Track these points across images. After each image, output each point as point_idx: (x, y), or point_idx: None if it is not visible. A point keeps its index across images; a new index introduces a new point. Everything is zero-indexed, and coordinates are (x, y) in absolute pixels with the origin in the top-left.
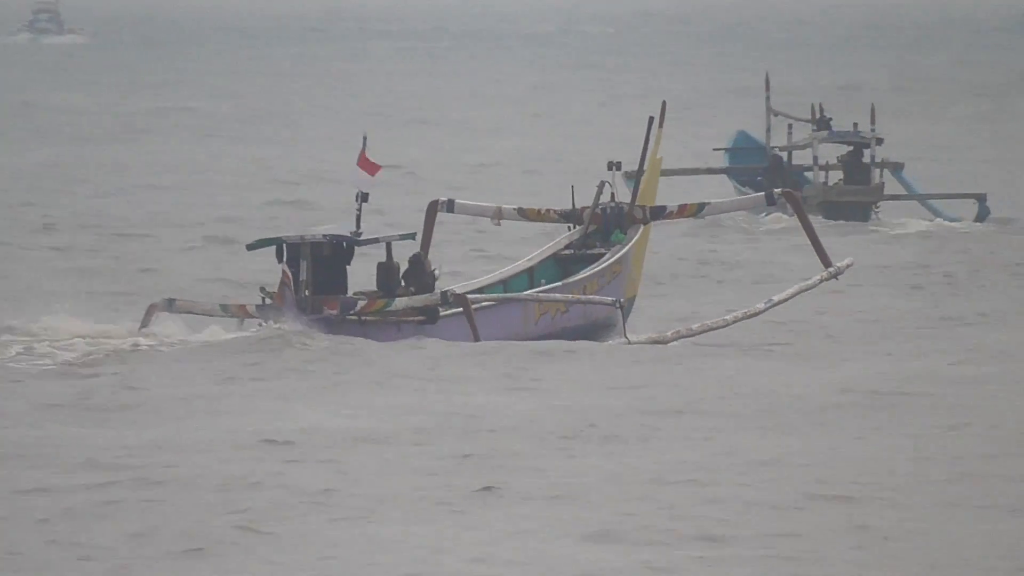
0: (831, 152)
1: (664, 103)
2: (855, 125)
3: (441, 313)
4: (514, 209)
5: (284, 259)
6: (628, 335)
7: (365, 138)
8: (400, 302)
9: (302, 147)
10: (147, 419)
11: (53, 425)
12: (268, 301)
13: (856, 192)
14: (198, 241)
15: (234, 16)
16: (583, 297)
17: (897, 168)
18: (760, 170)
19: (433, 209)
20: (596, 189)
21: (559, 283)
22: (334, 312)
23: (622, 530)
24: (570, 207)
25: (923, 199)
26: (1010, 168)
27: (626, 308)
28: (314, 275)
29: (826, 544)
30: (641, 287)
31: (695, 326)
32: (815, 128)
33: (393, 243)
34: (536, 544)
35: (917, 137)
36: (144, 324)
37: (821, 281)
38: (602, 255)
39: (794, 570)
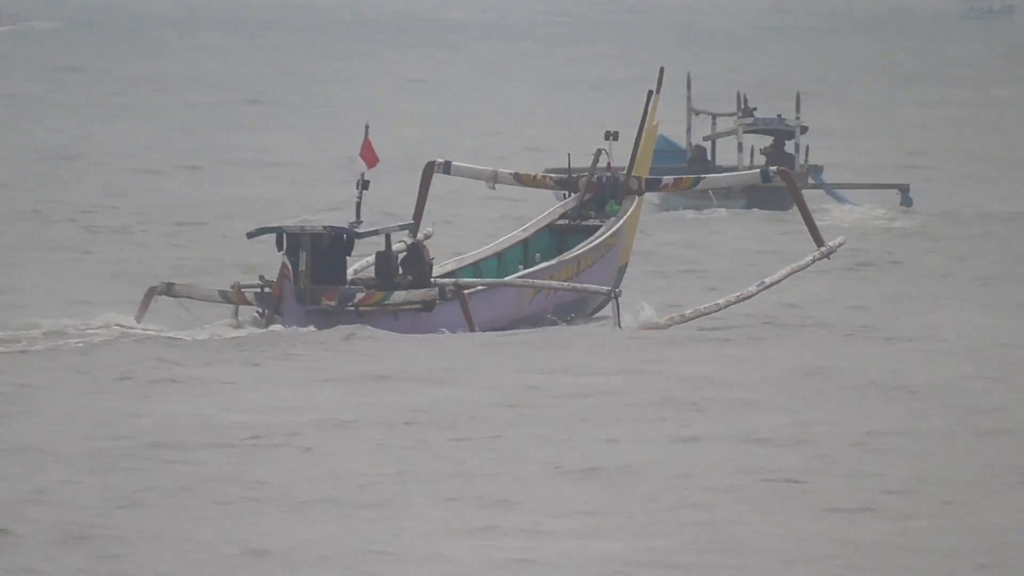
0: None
1: (662, 69)
2: (779, 115)
3: (438, 301)
4: (510, 174)
5: (284, 248)
6: (621, 323)
7: (367, 127)
8: (398, 295)
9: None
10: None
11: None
12: (267, 290)
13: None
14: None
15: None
16: (578, 285)
17: (817, 171)
18: (680, 170)
19: (429, 171)
20: (592, 157)
21: (555, 259)
22: (332, 303)
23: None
24: (566, 174)
25: (832, 189)
26: (932, 158)
27: (618, 279)
28: (313, 266)
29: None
30: (631, 265)
31: (688, 311)
32: (739, 116)
33: (392, 233)
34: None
35: (840, 126)
36: (143, 308)
37: (814, 261)
38: (597, 227)
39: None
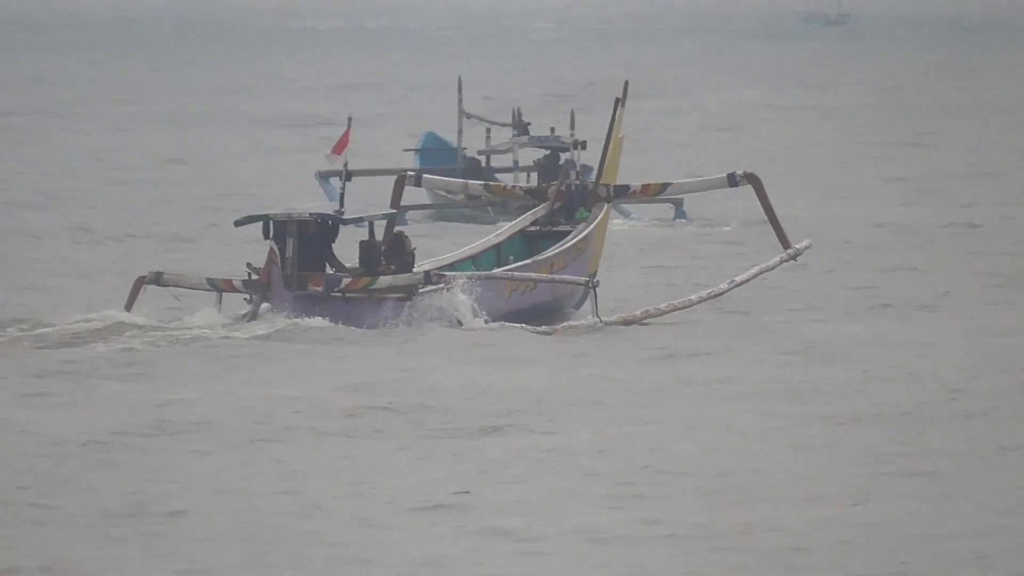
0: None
1: (626, 83)
2: (552, 129)
3: (419, 291)
4: (480, 185)
5: (271, 235)
6: (600, 315)
7: (350, 119)
8: (384, 280)
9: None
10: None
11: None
12: (254, 276)
13: None
14: None
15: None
16: (558, 277)
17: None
18: (453, 171)
19: (401, 183)
20: (562, 167)
21: (529, 260)
22: (319, 289)
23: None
24: (535, 184)
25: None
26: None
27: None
28: (300, 252)
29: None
30: (602, 266)
31: (663, 305)
32: (515, 132)
33: (375, 221)
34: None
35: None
36: (132, 297)
37: (781, 262)
38: (568, 232)
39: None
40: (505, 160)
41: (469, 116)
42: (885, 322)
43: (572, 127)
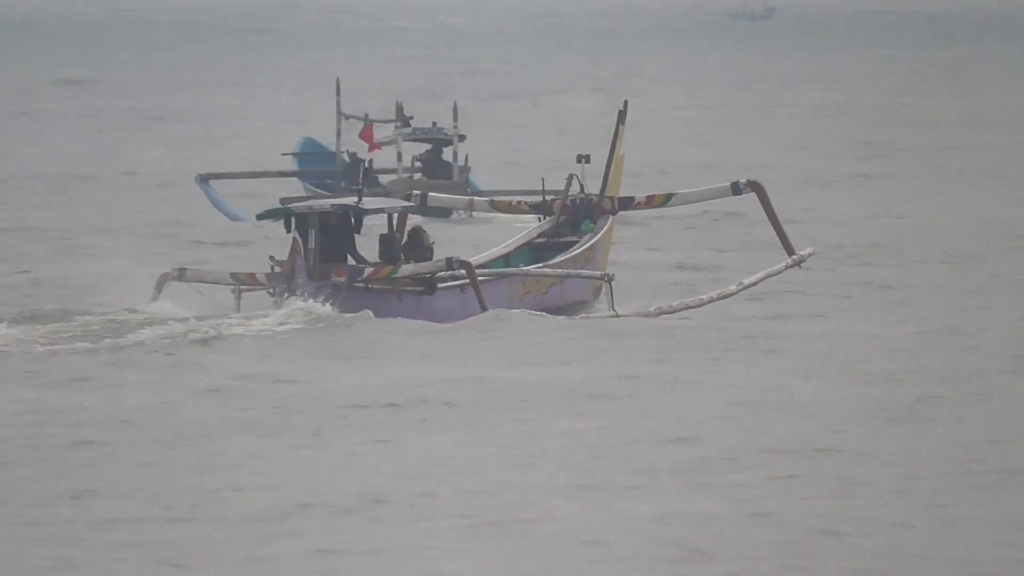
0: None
1: (626, 102)
2: (434, 123)
3: (440, 286)
4: (486, 201)
5: (293, 228)
6: (616, 308)
7: (367, 116)
8: (406, 268)
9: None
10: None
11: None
12: (277, 270)
13: (441, 187)
14: None
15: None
16: (574, 272)
17: (465, 170)
18: (332, 173)
19: (404, 215)
20: (566, 181)
21: (539, 264)
22: (342, 279)
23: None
24: (540, 199)
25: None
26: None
27: (595, 292)
28: (322, 243)
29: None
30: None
31: (675, 303)
32: (398, 125)
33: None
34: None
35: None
36: (156, 293)
37: (786, 268)
38: (574, 243)
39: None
40: (389, 154)
41: (348, 117)
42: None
43: (455, 120)
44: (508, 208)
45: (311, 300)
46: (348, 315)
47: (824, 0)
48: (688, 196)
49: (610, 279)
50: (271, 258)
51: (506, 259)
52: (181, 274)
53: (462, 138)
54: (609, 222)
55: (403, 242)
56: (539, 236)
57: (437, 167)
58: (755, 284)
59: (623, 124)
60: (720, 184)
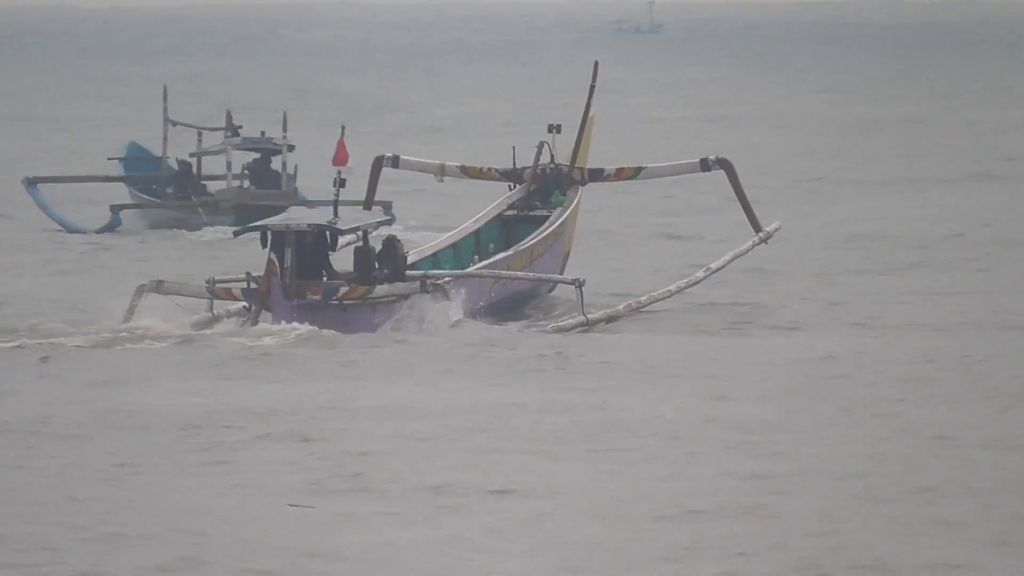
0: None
1: (596, 63)
2: (263, 132)
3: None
4: (457, 167)
5: (269, 245)
6: (586, 313)
7: (343, 128)
8: (380, 290)
9: None
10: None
11: None
12: (253, 285)
13: (270, 196)
14: None
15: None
16: (544, 276)
17: (291, 179)
18: (157, 178)
19: (378, 165)
20: (536, 150)
21: (511, 250)
22: (317, 297)
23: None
24: (511, 166)
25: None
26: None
27: (563, 264)
28: (298, 261)
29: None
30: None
31: (643, 298)
32: (227, 134)
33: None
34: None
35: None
36: (133, 305)
37: (753, 246)
38: (545, 217)
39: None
40: (219, 162)
41: (175, 124)
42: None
43: (284, 130)
44: (479, 174)
45: (287, 318)
46: (326, 331)
47: (712, 15)
48: (658, 170)
49: (580, 284)
50: (247, 274)
51: (476, 235)
52: (158, 286)
53: (291, 148)
54: (579, 193)
55: (377, 251)
56: (509, 208)
57: (265, 176)
58: (723, 267)
59: (593, 83)
60: (690, 160)
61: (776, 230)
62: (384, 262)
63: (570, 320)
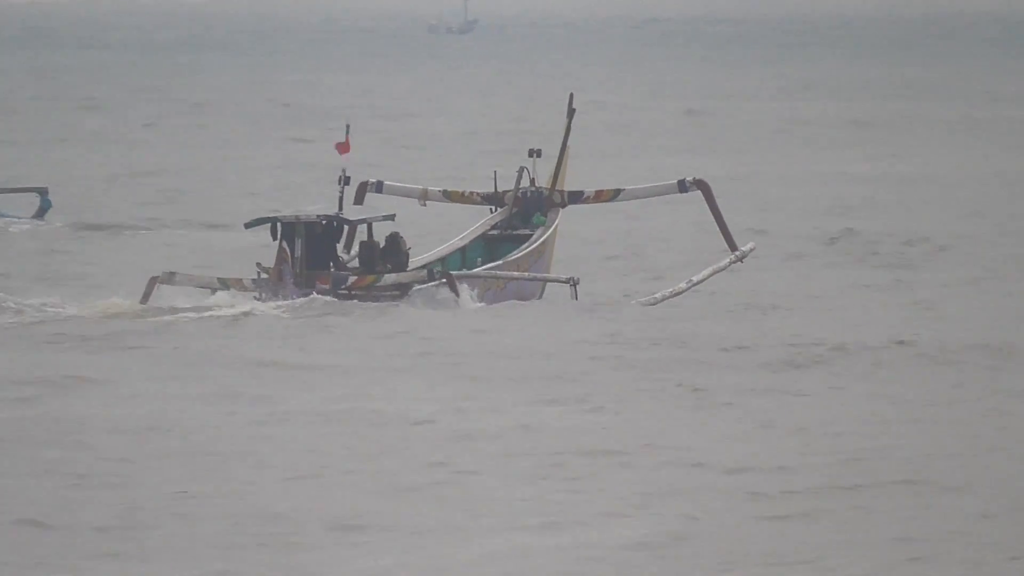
0: None
1: (571, 94)
2: None
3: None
4: (440, 191)
5: (279, 237)
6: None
7: (348, 126)
8: (388, 278)
9: None
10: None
11: None
12: (263, 276)
13: None
14: None
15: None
16: (538, 275)
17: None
18: None
19: (363, 190)
20: (516, 174)
21: (500, 261)
22: (326, 287)
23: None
24: (492, 190)
25: None
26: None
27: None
28: (308, 252)
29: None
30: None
31: (632, 303)
32: None
33: (375, 223)
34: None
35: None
36: (145, 296)
37: (730, 263)
38: (527, 236)
39: None
40: None
41: None
42: None
43: None
44: (461, 198)
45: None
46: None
47: (529, 12)
48: (636, 192)
49: (575, 283)
50: (258, 264)
51: (462, 251)
52: (170, 278)
53: None
54: (558, 215)
55: (382, 247)
56: (492, 228)
57: None
58: (704, 280)
59: (571, 119)
60: (668, 181)
61: (751, 250)
62: (388, 257)
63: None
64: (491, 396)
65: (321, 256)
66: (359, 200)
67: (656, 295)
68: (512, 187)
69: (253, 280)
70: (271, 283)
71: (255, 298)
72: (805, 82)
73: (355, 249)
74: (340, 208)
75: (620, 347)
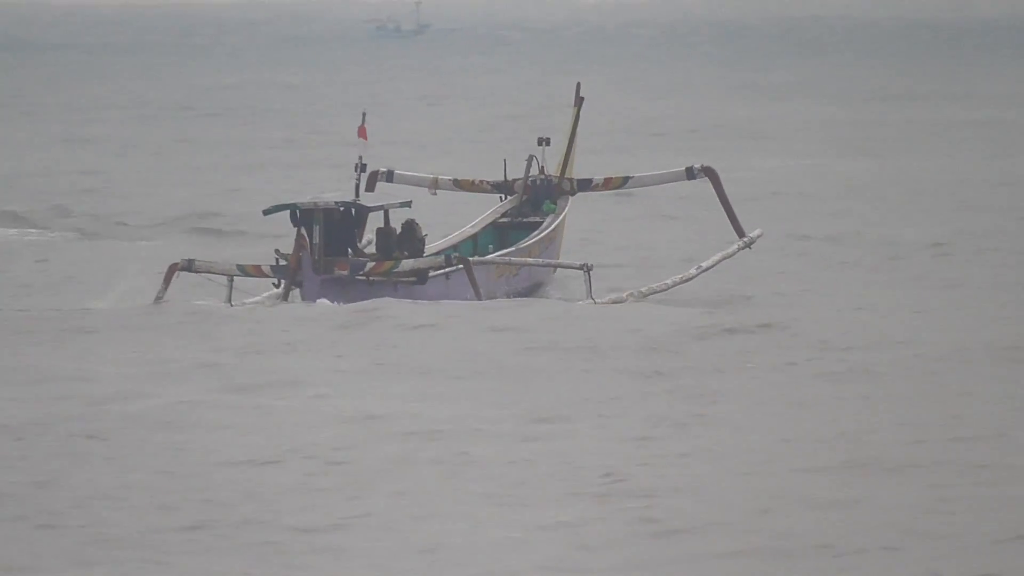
0: None
1: (579, 83)
2: None
3: (432, 274)
4: (450, 180)
5: (298, 223)
6: (593, 297)
7: (364, 114)
8: (406, 263)
9: None
10: None
11: None
12: (282, 262)
13: None
14: None
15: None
16: (552, 261)
17: None
18: None
19: (374, 179)
20: (526, 163)
21: (512, 248)
22: (344, 272)
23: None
24: (502, 179)
25: None
26: None
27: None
28: (326, 238)
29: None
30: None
31: (643, 289)
32: None
33: (391, 210)
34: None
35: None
36: (165, 284)
37: (738, 250)
38: (537, 223)
39: None
40: None
41: None
42: None
43: None
44: (471, 187)
45: (315, 293)
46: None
47: (478, 15)
48: (644, 179)
49: (589, 269)
50: (276, 251)
51: (474, 239)
52: (189, 265)
53: None
54: (568, 202)
55: (398, 234)
56: (503, 216)
57: None
58: (712, 266)
59: (577, 107)
60: (676, 169)
61: (759, 236)
62: (404, 244)
63: (580, 303)
64: (496, 400)
65: (339, 242)
66: (370, 188)
67: (667, 281)
68: (521, 175)
69: (272, 267)
70: (290, 270)
71: (273, 285)
72: (802, 83)
73: (368, 236)
74: (357, 195)
75: (620, 347)
